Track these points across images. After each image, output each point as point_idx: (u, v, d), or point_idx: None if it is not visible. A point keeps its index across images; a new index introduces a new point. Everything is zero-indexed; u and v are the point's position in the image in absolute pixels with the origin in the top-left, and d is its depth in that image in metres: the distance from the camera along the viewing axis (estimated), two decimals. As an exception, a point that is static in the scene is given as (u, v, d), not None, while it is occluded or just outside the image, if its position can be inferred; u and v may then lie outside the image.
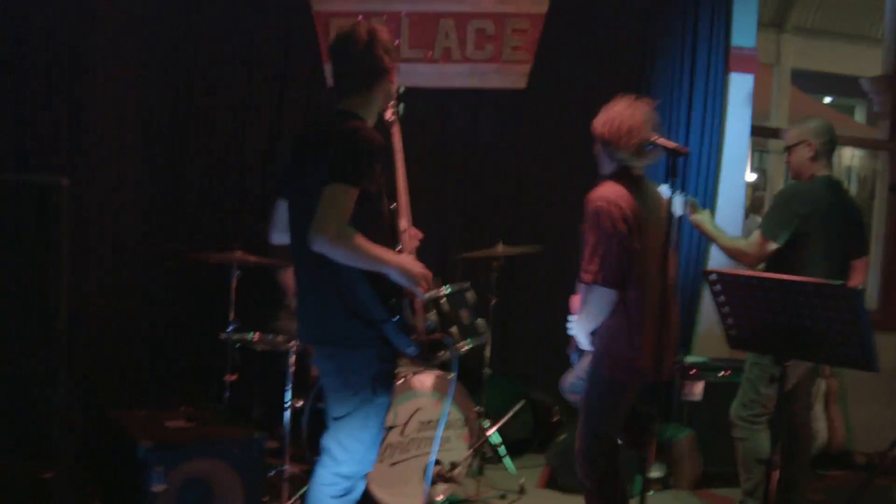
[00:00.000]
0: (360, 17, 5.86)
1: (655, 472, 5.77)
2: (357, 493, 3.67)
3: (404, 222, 3.78)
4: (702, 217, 4.84)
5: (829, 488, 5.65)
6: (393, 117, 3.88)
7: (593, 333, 4.04)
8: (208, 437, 4.55)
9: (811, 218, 4.66)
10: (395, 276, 3.43)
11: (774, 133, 7.24)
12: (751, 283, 3.55)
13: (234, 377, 5.12)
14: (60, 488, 4.06)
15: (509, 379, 6.27)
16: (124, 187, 5.72)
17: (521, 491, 5.52)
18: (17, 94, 5.36)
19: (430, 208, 6.13)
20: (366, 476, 3.69)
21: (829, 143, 4.85)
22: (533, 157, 6.53)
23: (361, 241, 3.29)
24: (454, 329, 4.77)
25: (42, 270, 4.17)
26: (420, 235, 3.85)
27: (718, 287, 3.58)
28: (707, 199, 6.49)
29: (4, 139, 5.32)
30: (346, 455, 3.57)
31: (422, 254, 4.15)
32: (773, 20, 7.16)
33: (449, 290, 4.59)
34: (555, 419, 6.20)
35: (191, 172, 5.95)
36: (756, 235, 4.74)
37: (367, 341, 3.50)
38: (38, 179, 4.36)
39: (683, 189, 5.39)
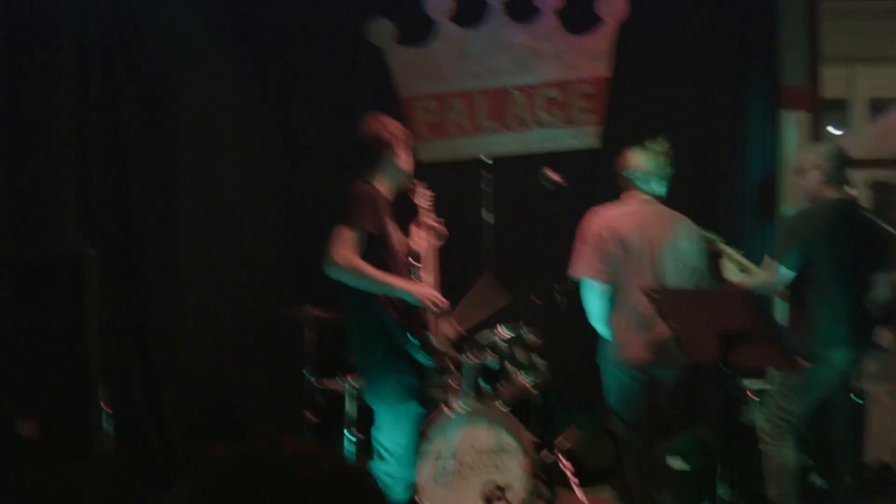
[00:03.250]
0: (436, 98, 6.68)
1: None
2: (399, 498, 4.34)
3: (428, 277, 4.56)
4: (725, 259, 5.22)
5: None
6: (422, 206, 4.80)
7: None
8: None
9: (815, 239, 4.89)
10: (408, 298, 4.08)
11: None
12: (682, 297, 3.90)
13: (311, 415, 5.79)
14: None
15: (588, 411, 6.50)
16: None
17: None
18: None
19: (520, 262, 6.69)
20: (410, 486, 4.29)
21: (840, 167, 5.05)
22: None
23: (367, 267, 4.00)
24: (509, 364, 5.37)
25: (72, 333, 5.09)
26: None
27: (660, 303, 3.94)
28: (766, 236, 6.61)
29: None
30: (386, 455, 4.27)
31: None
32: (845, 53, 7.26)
33: (509, 334, 5.32)
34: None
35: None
36: (767, 262, 5.00)
37: (384, 357, 4.18)
38: (66, 251, 5.29)
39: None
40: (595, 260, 4.83)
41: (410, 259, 4.46)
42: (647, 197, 4.99)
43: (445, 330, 5.19)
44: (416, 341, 4.16)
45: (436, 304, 4.22)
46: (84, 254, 5.28)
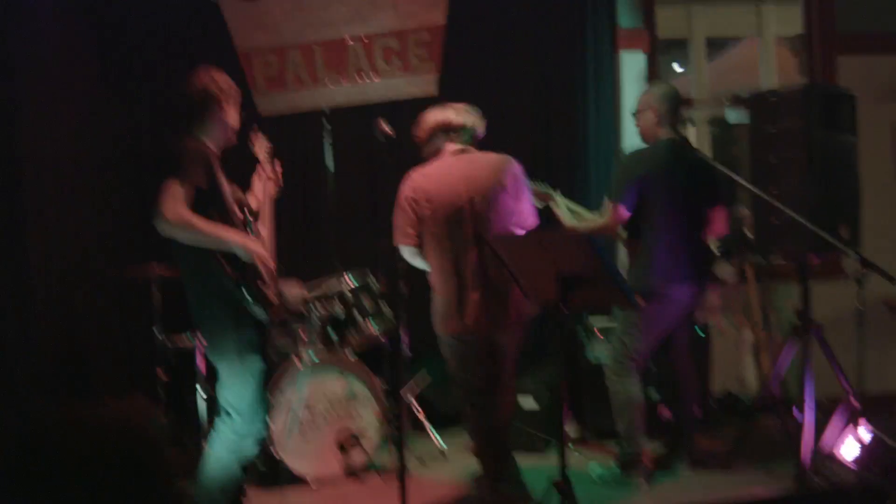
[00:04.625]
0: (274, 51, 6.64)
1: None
2: (249, 451, 4.32)
3: (263, 230, 4.58)
4: (557, 208, 5.32)
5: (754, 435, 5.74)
6: (261, 156, 4.83)
7: None
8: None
9: (648, 178, 5.02)
10: (239, 252, 4.07)
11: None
12: (519, 243, 3.98)
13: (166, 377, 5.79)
14: None
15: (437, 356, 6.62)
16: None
17: (443, 456, 5.91)
18: None
19: (363, 210, 6.72)
20: (259, 440, 4.32)
21: (673, 108, 5.18)
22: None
23: (199, 221, 3.98)
24: (357, 314, 5.44)
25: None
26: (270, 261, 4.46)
27: (500, 251, 4.02)
28: (607, 178, 6.63)
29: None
30: (234, 412, 4.23)
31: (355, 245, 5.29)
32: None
33: (355, 283, 5.36)
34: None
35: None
36: (606, 204, 5.13)
37: (222, 313, 4.16)
38: None
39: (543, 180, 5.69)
40: (406, 225, 4.63)
41: (246, 213, 4.43)
42: (458, 147, 4.75)
43: (293, 293, 5.25)
44: (250, 296, 4.16)
45: (264, 263, 4.22)
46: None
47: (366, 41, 6.89)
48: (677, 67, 8.41)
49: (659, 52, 7.23)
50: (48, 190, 6.04)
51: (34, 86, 5.96)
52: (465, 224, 4.53)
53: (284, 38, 6.86)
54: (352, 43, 6.88)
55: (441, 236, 4.57)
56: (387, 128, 4.23)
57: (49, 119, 6.12)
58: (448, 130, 4.74)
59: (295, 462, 5.42)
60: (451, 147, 4.74)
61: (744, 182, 4.76)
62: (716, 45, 9.17)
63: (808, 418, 4.75)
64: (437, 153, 4.75)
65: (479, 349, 4.62)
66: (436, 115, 4.79)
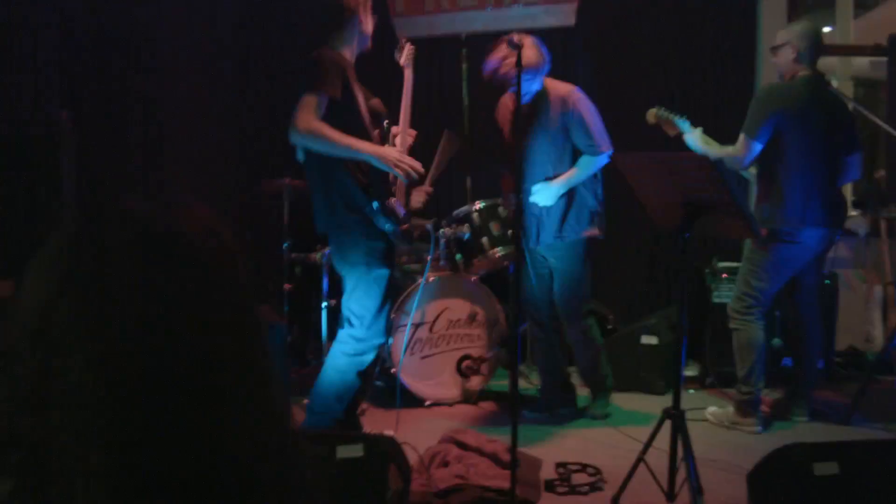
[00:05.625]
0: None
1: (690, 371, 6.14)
2: (367, 359, 4.37)
3: (399, 139, 4.53)
4: (691, 137, 5.16)
5: (875, 392, 5.62)
6: (406, 62, 4.69)
7: None
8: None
9: (785, 114, 4.87)
10: (375, 162, 4.09)
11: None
12: (645, 164, 3.89)
13: (290, 287, 5.87)
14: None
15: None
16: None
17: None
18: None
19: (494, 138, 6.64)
20: (378, 349, 4.36)
21: (813, 45, 5.01)
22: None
23: (331, 131, 4.01)
24: (484, 239, 5.43)
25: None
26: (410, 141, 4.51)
27: (626, 169, 3.94)
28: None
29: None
30: (356, 320, 4.31)
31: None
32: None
33: (482, 205, 5.36)
34: (609, 327, 6.40)
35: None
36: (740, 137, 4.99)
37: (352, 223, 4.19)
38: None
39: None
40: None
41: (382, 123, 4.44)
42: None
43: (416, 198, 5.24)
44: (379, 208, 4.18)
45: (405, 169, 4.17)
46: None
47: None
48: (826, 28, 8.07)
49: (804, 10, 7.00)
50: (184, 101, 6.19)
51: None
52: None
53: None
54: (492, -30, 6.80)
55: None
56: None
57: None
58: None
59: (413, 382, 5.46)
60: None
61: (881, 122, 4.54)
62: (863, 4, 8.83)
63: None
64: None
65: None
66: None
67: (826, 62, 5.28)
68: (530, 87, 4.96)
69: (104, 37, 5.74)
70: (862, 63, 7.64)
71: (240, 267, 1.05)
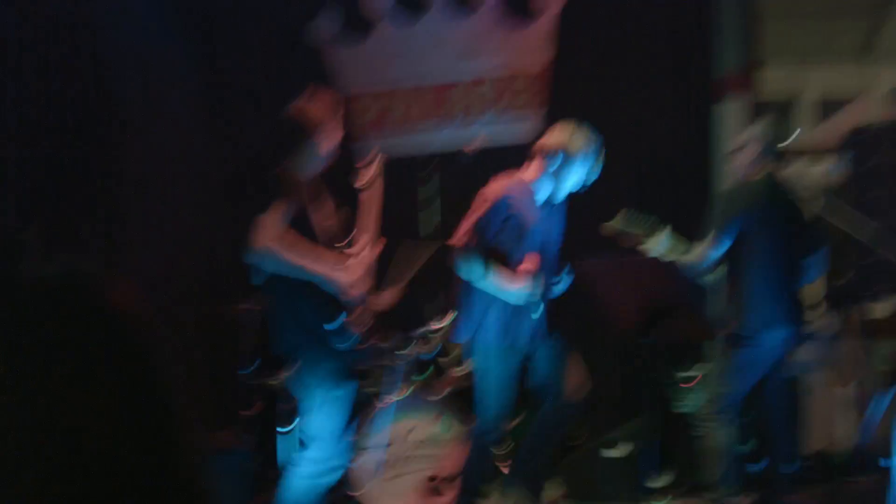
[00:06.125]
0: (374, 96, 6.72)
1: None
2: (326, 482, 4.31)
3: (363, 253, 4.50)
4: (657, 240, 5.12)
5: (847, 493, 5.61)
6: (363, 184, 4.70)
7: None
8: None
9: (749, 215, 4.91)
10: (324, 285, 4.07)
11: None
12: (606, 269, 3.90)
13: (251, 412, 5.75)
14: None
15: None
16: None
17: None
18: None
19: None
20: (339, 471, 4.28)
21: (772, 145, 5.13)
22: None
23: (286, 250, 4.03)
24: (444, 359, 5.38)
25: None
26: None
27: (592, 277, 3.94)
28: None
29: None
30: (314, 443, 4.25)
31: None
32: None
33: (439, 324, 5.32)
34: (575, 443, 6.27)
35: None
36: (704, 239, 4.98)
37: (308, 343, 4.15)
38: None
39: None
40: None
41: (343, 243, 4.44)
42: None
43: (381, 301, 5.17)
44: (335, 327, 4.14)
45: (353, 296, 4.20)
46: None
47: (468, 87, 6.89)
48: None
49: (769, 112, 7.11)
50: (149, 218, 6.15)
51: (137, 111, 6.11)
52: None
53: (386, 83, 6.90)
54: (453, 89, 6.90)
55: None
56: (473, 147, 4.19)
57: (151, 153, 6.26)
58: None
59: (376, 505, 5.31)
60: None
61: (843, 214, 4.58)
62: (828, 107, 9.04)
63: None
64: None
65: None
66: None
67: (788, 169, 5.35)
68: None
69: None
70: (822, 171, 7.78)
71: (149, 334, 1.08)
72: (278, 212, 4.03)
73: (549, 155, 4.90)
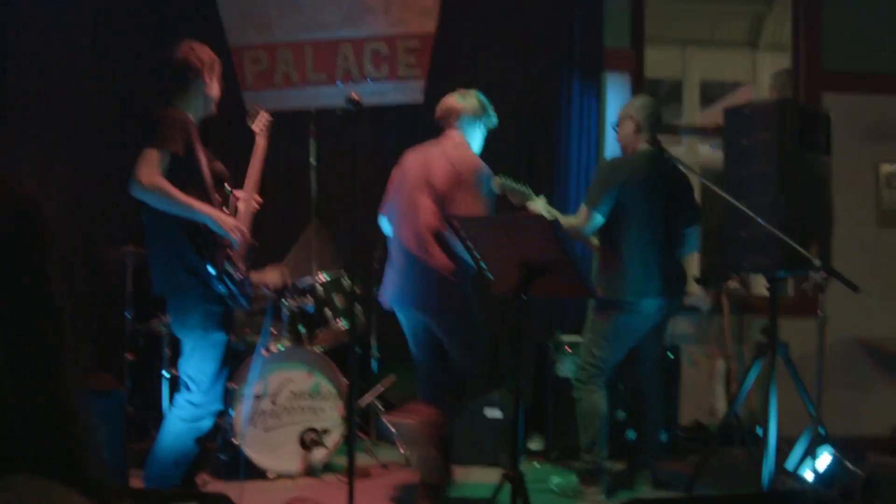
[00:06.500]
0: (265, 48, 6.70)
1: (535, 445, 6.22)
2: (205, 425, 4.33)
3: (242, 204, 4.57)
4: (535, 205, 5.19)
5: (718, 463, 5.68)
6: (259, 129, 4.78)
7: None
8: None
9: (627, 187, 5.02)
10: (210, 225, 4.10)
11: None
12: (483, 225, 3.98)
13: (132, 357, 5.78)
14: None
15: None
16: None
17: (407, 463, 5.81)
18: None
19: (342, 212, 6.59)
20: (215, 415, 4.31)
21: (652, 118, 5.20)
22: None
23: (171, 188, 4.01)
24: (327, 310, 5.42)
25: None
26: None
27: (463, 232, 4.00)
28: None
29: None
30: (193, 385, 4.27)
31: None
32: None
33: (326, 277, 5.35)
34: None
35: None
36: (582, 208, 5.13)
37: (189, 285, 4.17)
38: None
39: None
40: (389, 192, 5.02)
41: (224, 186, 4.46)
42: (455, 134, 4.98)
43: (272, 277, 5.24)
44: (214, 271, 4.17)
45: (239, 235, 4.24)
46: None
47: (356, 44, 6.93)
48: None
49: (651, 94, 7.28)
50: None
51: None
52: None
53: (276, 36, 6.89)
54: (342, 45, 6.93)
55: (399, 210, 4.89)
56: (356, 97, 4.24)
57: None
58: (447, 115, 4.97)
59: (255, 454, 5.35)
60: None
61: (718, 190, 4.75)
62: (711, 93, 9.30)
63: (771, 437, 4.71)
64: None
65: None
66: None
67: (673, 150, 5.47)
68: None
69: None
70: (706, 150, 8.04)
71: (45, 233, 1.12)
72: (166, 149, 4.05)
73: (466, 120, 4.96)
